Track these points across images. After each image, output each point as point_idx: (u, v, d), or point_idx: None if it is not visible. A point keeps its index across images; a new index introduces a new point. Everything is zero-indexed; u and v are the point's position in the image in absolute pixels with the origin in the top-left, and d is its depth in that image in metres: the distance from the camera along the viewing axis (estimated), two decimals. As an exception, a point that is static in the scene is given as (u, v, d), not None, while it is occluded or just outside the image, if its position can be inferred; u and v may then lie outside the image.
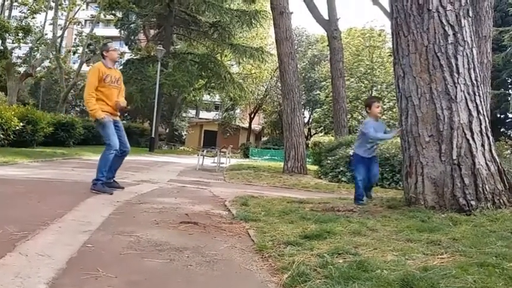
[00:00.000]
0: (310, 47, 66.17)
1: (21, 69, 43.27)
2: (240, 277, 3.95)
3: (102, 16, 49.20)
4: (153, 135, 40.13)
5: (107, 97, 9.06)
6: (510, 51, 35.35)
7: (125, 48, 63.82)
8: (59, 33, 44.80)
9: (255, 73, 62.16)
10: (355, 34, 54.46)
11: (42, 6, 40.56)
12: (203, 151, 22.66)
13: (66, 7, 43.74)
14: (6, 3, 40.61)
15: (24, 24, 37.52)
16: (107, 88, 9.03)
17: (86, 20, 65.60)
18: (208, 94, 65.07)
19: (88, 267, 3.80)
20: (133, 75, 43.63)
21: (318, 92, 58.30)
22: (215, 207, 7.82)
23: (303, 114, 33.42)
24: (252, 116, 70.91)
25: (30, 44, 40.80)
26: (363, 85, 50.56)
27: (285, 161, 19.83)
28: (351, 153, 8.02)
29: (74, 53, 52.17)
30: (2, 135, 21.03)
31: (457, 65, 7.07)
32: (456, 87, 7.01)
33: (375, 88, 50.52)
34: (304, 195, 10.65)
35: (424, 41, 7.22)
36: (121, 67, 48.72)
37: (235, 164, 24.77)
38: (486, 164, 6.94)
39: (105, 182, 8.99)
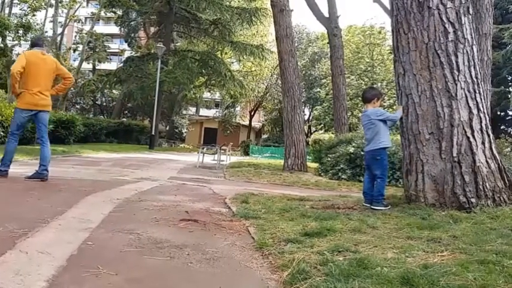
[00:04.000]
0: (310, 44, 66.22)
1: (22, 67, 43.20)
2: (240, 274, 3.96)
3: (102, 14, 49.37)
4: (153, 133, 40.20)
5: None
6: (510, 48, 35.35)
7: (125, 46, 64.05)
8: (59, 30, 44.89)
9: (255, 70, 62.24)
10: (355, 31, 54.59)
11: (43, 4, 40.51)
12: (203, 148, 22.67)
13: (67, 4, 43.71)
14: (6, 0, 40.61)
15: (24, 21, 37.41)
16: None
17: (86, 18, 65.71)
18: (209, 91, 65.37)
19: (88, 265, 3.79)
20: (134, 73, 43.79)
21: (318, 89, 58.33)
22: (215, 205, 7.83)
23: (303, 111, 33.36)
24: (252, 113, 70.97)
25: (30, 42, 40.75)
26: (363, 82, 50.57)
27: (285, 159, 19.84)
28: (380, 146, 7.59)
29: (74, 50, 52.30)
30: (2, 133, 21.03)
31: (457, 62, 7.08)
32: (456, 84, 7.02)
33: (375, 85, 50.49)
34: (305, 192, 10.64)
35: (425, 38, 7.23)
36: (121, 64, 48.95)
37: (235, 162, 24.77)
38: (486, 161, 6.96)
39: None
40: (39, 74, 9.47)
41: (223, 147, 25.32)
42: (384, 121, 7.70)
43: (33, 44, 10.07)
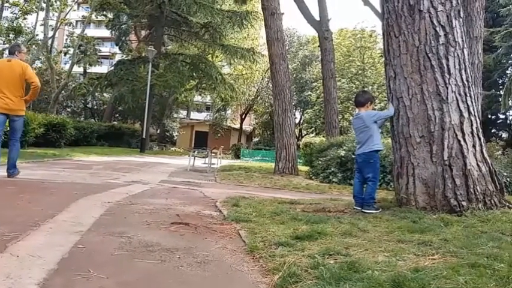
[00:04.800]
0: (301, 47, 66.35)
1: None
2: (231, 278, 3.95)
3: (93, 17, 49.14)
4: (144, 136, 40.11)
5: None
6: (501, 52, 35.52)
7: (116, 49, 63.97)
8: (50, 34, 44.66)
9: (246, 74, 62.23)
10: (346, 35, 54.63)
11: (34, 7, 40.48)
12: (194, 152, 22.67)
13: (58, 8, 43.58)
14: (-3, 4, 40.55)
15: (15, 25, 37.38)
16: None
17: (77, 21, 65.48)
18: (200, 95, 65.20)
19: (79, 268, 3.79)
20: (125, 76, 43.61)
21: (309, 92, 58.35)
22: (206, 208, 7.81)
23: (294, 115, 33.38)
24: (243, 116, 71.03)
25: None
26: (354, 86, 50.53)
27: (276, 162, 19.80)
28: (374, 149, 7.63)
29: (65, 53, 52.10)
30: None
31: (448, 65, 7.09)
32: (447, 87, 7.03)
33: (366, 89, 50.53)
34: (295, 196, 10.63)
35: (415, 41, 7.24)
36: (112, 68, 48.87)
37: (226, 165, 24.76)
38: (477, 164, 6.96)
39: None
40: (1, 80, 9.85)
41: (214, 151, 25.32)
42: (377, 123, 7.69)
43: (8, 52, 10.60)
